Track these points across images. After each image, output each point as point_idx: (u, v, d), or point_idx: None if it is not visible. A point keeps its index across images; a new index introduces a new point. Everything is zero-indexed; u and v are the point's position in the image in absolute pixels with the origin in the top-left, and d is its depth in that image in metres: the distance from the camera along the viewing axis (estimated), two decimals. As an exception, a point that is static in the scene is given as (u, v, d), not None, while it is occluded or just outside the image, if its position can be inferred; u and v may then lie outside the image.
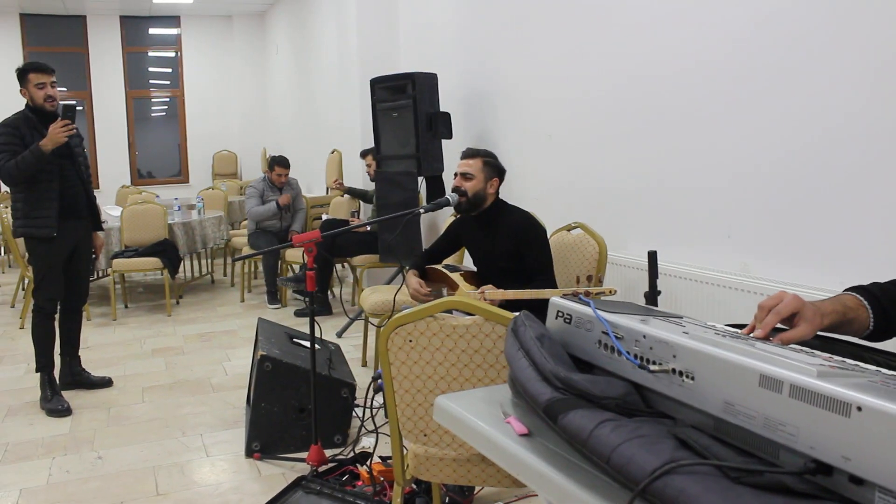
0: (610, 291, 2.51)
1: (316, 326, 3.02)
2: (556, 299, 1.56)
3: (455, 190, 3.13)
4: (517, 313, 1.53)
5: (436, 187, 5.55)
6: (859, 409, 0.91)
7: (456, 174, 3.18)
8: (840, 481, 0.95)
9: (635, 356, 1.26)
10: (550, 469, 1.19)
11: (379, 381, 2.22)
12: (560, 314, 1.53)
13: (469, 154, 3.20)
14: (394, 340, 1.84)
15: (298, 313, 6.03)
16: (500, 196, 3.24)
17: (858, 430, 0.91)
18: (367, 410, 3.17)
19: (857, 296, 1.50)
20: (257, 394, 3.22)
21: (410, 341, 1.82)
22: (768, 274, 2.91)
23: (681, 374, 1.18)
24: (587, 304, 1.46)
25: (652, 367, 1.21)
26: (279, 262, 6.72)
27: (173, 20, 11.98)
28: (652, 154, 3.52)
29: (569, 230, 3.40)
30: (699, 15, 3.19)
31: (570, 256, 3.29)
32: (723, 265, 3.09)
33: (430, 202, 5.63)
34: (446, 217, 5.34)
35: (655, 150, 3.50)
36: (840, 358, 1.20)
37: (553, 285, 3.05)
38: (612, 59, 3.79)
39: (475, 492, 2.80)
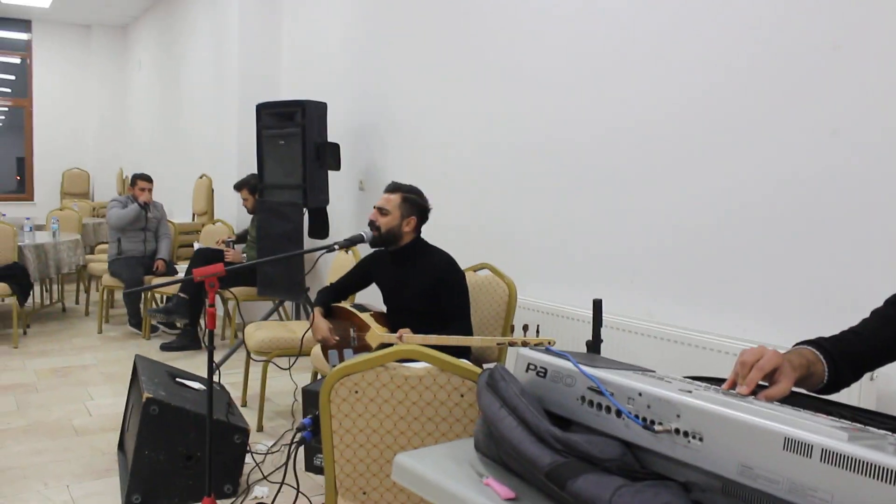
0: (549, 342, 2.47)
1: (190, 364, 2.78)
2: (524, 351, 1.50)
3: (370, 224, 3.01)
4: (490, 365, 1.45)
5: (319, 220, 5.39)
6: (906, 477, 0.90)
7: (375, 207, 3.05)
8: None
9: (636, 416, 1.21)
10: (555, 538, 1.11)
11: (304, 432, 2.07)
12: (532, 367, 1.46)
13: (392, 188, 3.08)
14: (338, 391, 1.70)
15: (166, 347, 5.62)
16: (422, 235, 3.14)
17: (906, 498, 0.90)
18: (290, 460, 2.94)
19: (814, 350, 1.54)
20: (140, 440, 2.93)
21: (357, 392, 1.69)
22: (671, 319, 2.99)
23: (686, 434, 1.14)
24: (565, 358, 1.40)
25: (657, 428, 1.16)
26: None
27: (23, 24, 11.11)
28: (555, 200, 3.57)
29: (475, 271, 3.36)
30: (596, 80, 3.28)
31: (479, 298, 3.24)
32: (628, 311, 3.15)
33: (312, 235, 5.50)
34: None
35: (559, 196, 3.55)
36: (834, 418, 1.21)
37: (470, 331, 2.98)
38: (511, 109, 3.83)
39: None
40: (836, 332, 1.63)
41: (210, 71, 7.47)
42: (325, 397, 1.70)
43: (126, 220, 6.12)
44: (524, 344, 2.56)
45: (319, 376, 3.75)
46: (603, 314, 3.08)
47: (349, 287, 3.29)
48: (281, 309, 5.90)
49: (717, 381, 1.43)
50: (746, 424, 1.06)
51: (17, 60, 11.38)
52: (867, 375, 2.30)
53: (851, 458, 0.94)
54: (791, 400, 1.45)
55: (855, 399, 2.29)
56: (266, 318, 5.46)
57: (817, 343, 1.57)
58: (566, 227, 3.51)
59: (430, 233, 3.22)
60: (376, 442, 1.72)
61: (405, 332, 2.72)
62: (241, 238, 6.00)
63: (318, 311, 3.13)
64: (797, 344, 1.59)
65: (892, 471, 0.90)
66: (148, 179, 6.36)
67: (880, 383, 2.33)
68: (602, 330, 3.06)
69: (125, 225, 6.14)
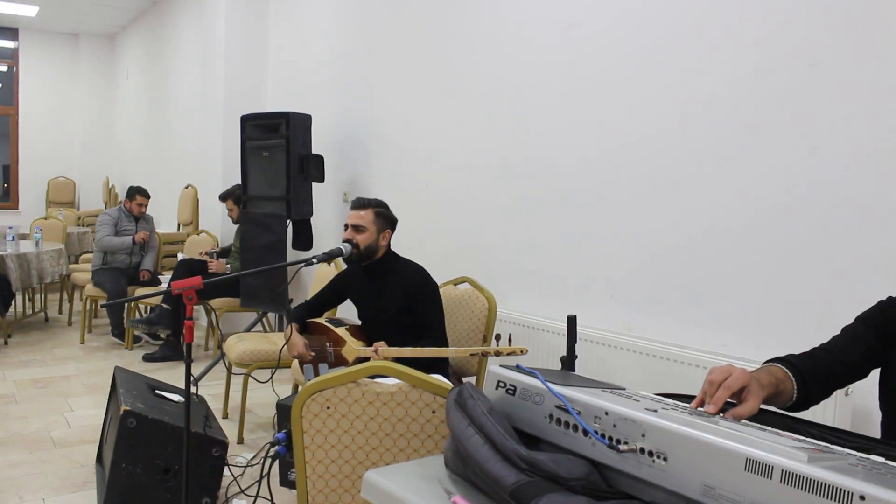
0: (521, 351, 2.47)
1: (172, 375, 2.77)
2: (495, 368, 1.50)
3: (347, 242, 3.01)
4: (463, 381, 1.45)
5: (303, 232, 5.38)
6: (862, 498, 0.90)
7: (347, 226, 3.06)
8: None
9: (601, 435, 1.21)
10: (519, 558, 1.11)
11: (277, 447, 2.06)
12: (502, 384, 1.46)
13: (360, 205, 3.09)
14: (310, 407, 1.69)
15: (148, 358, 5.59)
16: (403, 246, 3.15)
17: (862, 519, 0.90)
18: (263, 471, 2.93)
19: (783, 367, 1.55)
20: (117, 453, 2.91)
21: (328, 408, 1.69)
22: (649, 333, 3.00)
23: (651, 454, 1.14)
24: (534, 376, 1.40)
25: (622, 447, 1.16)
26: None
27: (10, 32, 11.07)
28: (536, 214, 3.58)
29: (455, 284, 3.36)
30: (578, 99, 3.30)
31: (459, 312, 3.24)
32: (606, 324, 3.15)
33: (296, 247, 5.49)
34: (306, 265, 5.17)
35: (540, 210, 3.56)
36: (802, 437, 1.21)
37: (444, 342, 2.98)
38: (494, 125, 3.84)
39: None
40: (812, 346, 1.64)
41: (196, 81, 7.46)
42: (296, 413, 1.70)
43: (116, 248, 6.14)
44: (497, 353, 2.56)
45: (300, 389, 3.73)
46: (581, 328, 3.09)
47: (324, 304, 3.30)
48: (264, 320, 5.88)
49: (689, 398, 1.43)
50: (709, 445, 1.06)
51: (3, 68, 11.34)
52: (842, 391, 2.31)
53: (809, 480, 0.94)
54: (761, 418, 1.46)
55: (830, 415, 2.30)
56: (249, 329, 5.44)
57: (787, 361, 1.57)
58: (546, 240, 3.52)
59: (410, 245, 3.23)
60: (348, 458, 1.71)
61: (380, 346, 2.72)
62: (224, 252, 5.98)
63: (293, 327, 3.13)
64: (767, 361, 1.60)
65: (848, 492, 0.91)
66: (146, 195, 6.39)
67: (855, 399, 2.34)
68: (580, 344, 3.07)
69: (112, 253, 6.16)
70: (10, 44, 11.18)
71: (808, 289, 2.49)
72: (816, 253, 2.46)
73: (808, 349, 1.63)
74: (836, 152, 2.41)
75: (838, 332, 1.66)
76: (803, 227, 2.50)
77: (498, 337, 2.73)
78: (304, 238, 5.36)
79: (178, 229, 8.00)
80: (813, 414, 2.02)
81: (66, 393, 4.75)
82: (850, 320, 1.66)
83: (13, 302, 6.08)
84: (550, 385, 1.33)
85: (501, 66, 3.81)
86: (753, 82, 2.64)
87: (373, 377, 1.71)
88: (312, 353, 3.07)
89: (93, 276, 6.16)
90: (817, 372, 1.57)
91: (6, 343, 6.05)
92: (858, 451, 1.20)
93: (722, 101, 2.74)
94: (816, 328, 2.43)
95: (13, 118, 11.20)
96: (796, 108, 2.51)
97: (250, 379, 3.91)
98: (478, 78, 3.99)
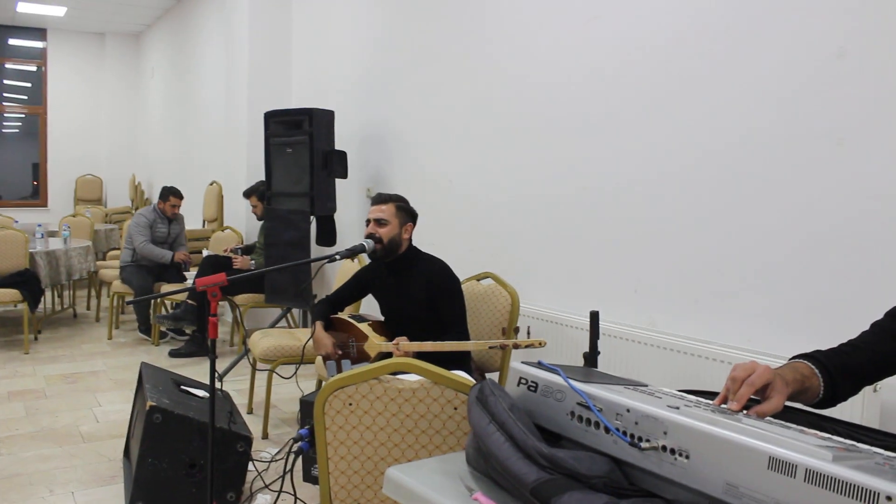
0: (540, 343, 2.47)
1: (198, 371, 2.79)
2: (516, 365, 1.49)
3: (370, 237, 3.03)
4: (484, 379, 1.45)
5: (327, 228, 5.40)
6: (889, 499, 0.89)
7: (369, 221, 3.07)
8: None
9: (623, 432, 1.20)
10: (540, 556, 1.11)
11: (300, 442, 2.07)
12: (523, 381, 1.46)
13: (381, 199, 3.11)
14: (332, 403, 1.70)
15: (174, 353, 5.65)
16: (426, 241, 3.16)
17: (888, 520, 0.89)
18: (287, 467, 2.95)
19: (809, 364, 1.52)
20: (144, 448, 2.94)
21: (350, 405, 1.70)
22: (673, 329, 2.98)
23: (673, 451, 1.13)
24: (556, 372, 1.39)
25: (643, 445, 1.15)
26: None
27: (38, 32, 11.23)
28: (559, 208, 3.56)
29: (478, 280, 3.36)
30: (601, 92, 3.27)
31: (481, 307, 3.24)
32: (630, 319, 3.13)
33: (320, 243, 5.52)
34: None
35: (562, 203, 3.54)
36: (827, 435, 1.20)
37: (466, 337, 2.99)
38: (517, 119, 3.83)
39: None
40: (840, 341, 1.62)
41: (220, 78, 7.52)
42: (319, 409, 1.71)
43: (155, 259, 6.17)
44: (516, 346, 2.56)
45: (324, 384, 3.76)
46: (604, 323, 3.08)
47: (346, 299, 3.31)
48: (288, 316, 5.91)
49: (713, 395, 1.42)
50: (731, 442, 1.05)
51: (32, 68, 11.51)
52: (870, 387, 2.27)
53: (833, 479, 0.93)
54: (786, 415, 1.44)
55: (858, 412, 2.27)
56: (273, 325, 5.48)
57: (813, 357, 1.55)
58: (570, 236, 3.51)
59: (433, 240, 3.23)
60: (370, 454, 1.72)
61: (401, 340, 2.73)
62: (248, 249, 6.03)
63: (319, 324, 3.15)
64: (793, 358, 1.58)
65: (874, 493, 0.89)
66: (179, 196, 6.45)
67: (884, 395, 2.31)
68: (603, 340, 3.05)
69: (151, 260, 6.21)
70: (38, 44, 11.34)
71: (836, 284, 2.45)
72: (844, 247, 2.43)
73: (835, 345, 1.60)
74: (865, 145, 2.37)
75: (867, 327, 1.63)
76: (830, 222, 2.46)
77: (517, 330, 2.72)
78: (327, 234, 5.39)
79: (203, 226, 8.07)
80: (840, 411, 1.99)
81: (94, 388, 4.82)
82: (879, 316, 1.63)
83: (42, 298, 6.17)
84: (572, 382, 1.32)
85: (524, 62, 3.79)
86: (779, 74, 2.60)
87: (395, 374, 1.71)
88: (339, 351, 3.09)
89: (121, 273, 6.23)
90: (845, 368, 1.54)
91: (36, 339, 6.15)
92: (886, 449, 1.18)
93: (745, 94, 2.71)
94: (844, 324, 2.39)
95: (42, 117, 11.37)
96: (823, 100, 2.48)
97: (274, 374, 3.94)
98: (500, 74, 3.98)
